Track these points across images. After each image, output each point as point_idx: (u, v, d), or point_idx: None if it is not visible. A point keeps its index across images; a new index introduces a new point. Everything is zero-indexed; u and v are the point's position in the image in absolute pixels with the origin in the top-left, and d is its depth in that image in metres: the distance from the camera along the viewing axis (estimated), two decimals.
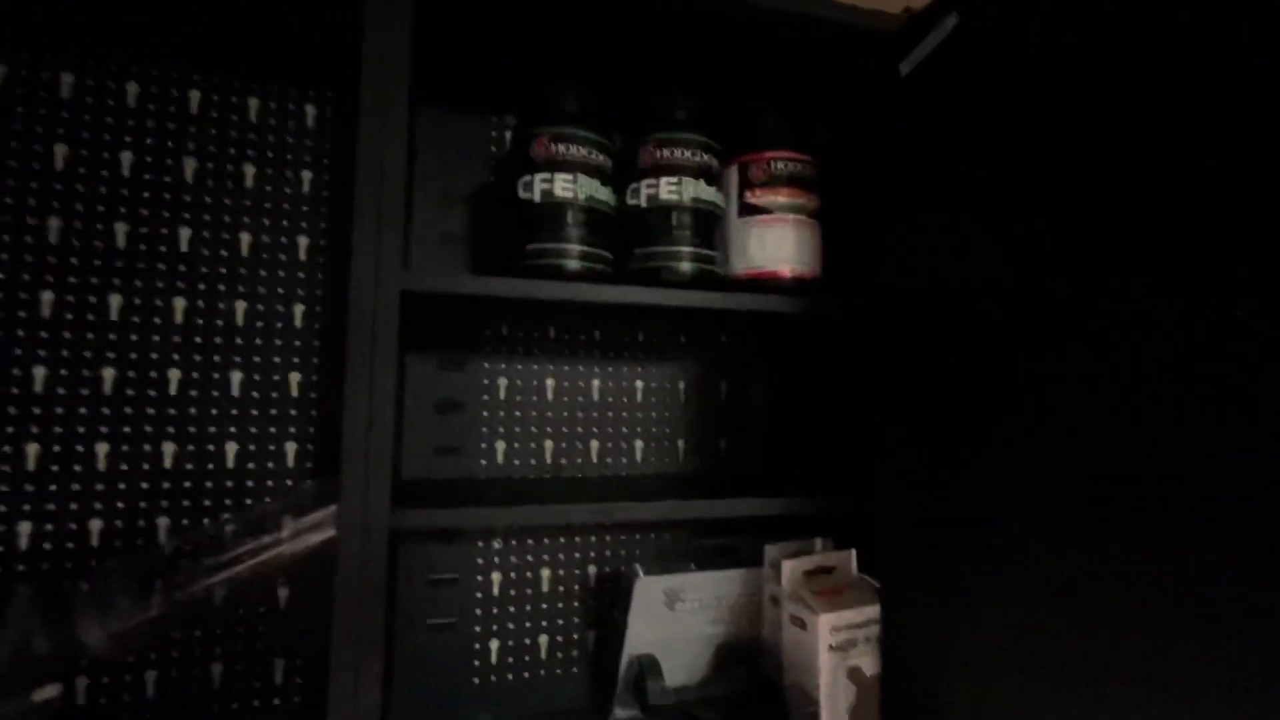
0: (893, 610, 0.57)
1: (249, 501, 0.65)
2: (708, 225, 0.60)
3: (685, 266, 0.58)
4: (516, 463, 0.73)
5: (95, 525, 0.61)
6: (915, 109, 0.58)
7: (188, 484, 0.63)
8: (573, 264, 0.56)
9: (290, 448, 0.66)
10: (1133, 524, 0.36)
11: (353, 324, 0.47)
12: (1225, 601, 0.31)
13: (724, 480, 0.75)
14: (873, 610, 0.58)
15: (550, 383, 0.75)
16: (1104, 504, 0.38)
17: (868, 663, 0.57)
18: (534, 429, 0.74)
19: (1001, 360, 0.46)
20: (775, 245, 0.61)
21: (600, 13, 0.57)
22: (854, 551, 0.64)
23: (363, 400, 0.46)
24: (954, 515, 0.50)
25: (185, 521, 0.63)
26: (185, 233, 0.65)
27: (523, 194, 0.57)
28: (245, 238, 0.66)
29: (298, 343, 0.67)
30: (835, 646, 0.56)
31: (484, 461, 0.72)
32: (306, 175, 0.68)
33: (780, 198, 0.62)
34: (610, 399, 0.77)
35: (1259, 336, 0.31)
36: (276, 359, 0.67)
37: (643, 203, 0.59)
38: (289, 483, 0.66)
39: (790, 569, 0.61)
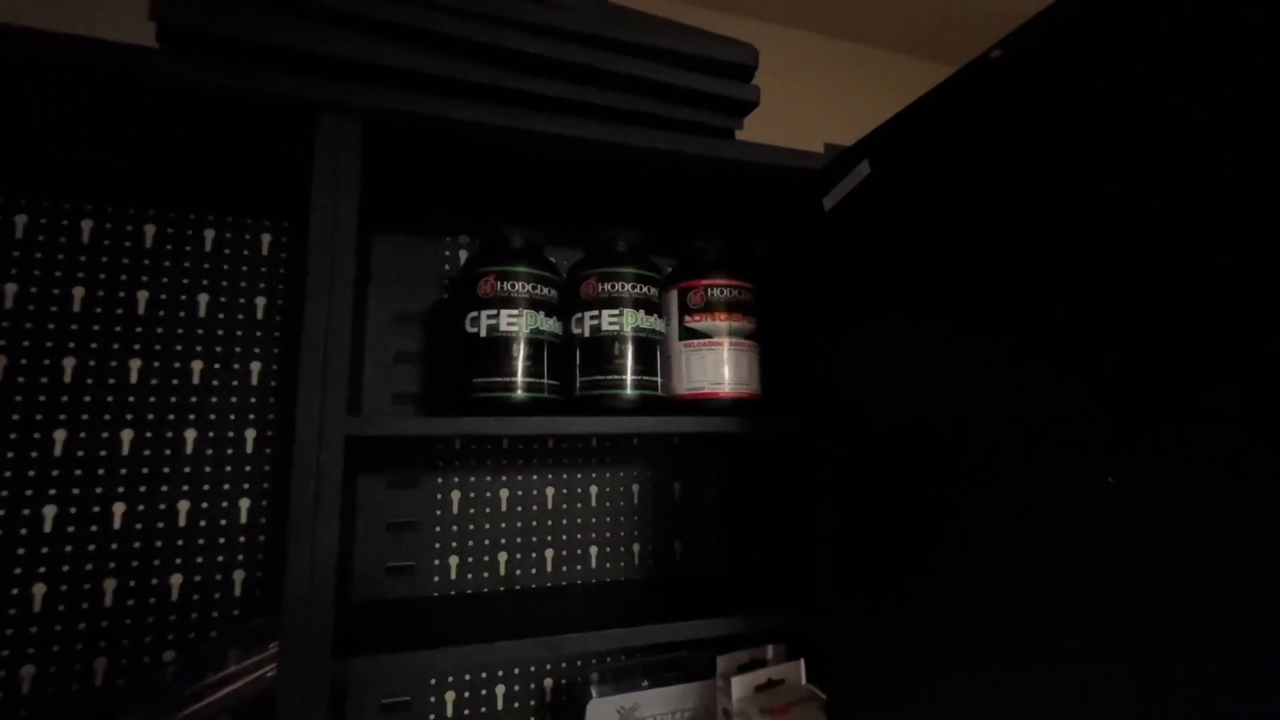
0: None
1: (194, 635, 0.64)
2: (649, 351, 0.63)
3: (627, 394, 0.61)
4: (470, 576, 0.73)
5: (27, 671, 0.59)
6: (839, 238, 0.63)
7: (129, 621, 0.62)
8: (517, 396, 0.59)
9: (238, 576, 0.66)
10: (1076, 633, 0.38)
11: (295, 479, 0.48)
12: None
13: (679, 587, 0.76)
14: None
15: (504, 493, 0.76)
16: (1050, 615, 0.40)
17: None
18: (487, 541, 0.74)
19: (938, 476, 0.49)
20: (714, 368, 0.64)
21: (540, 161, 0.61)
22: (802, 662, 0.65)
23: (304, 556, 0.47)
24: (897, 632, 0.52)
25: (125, 662, 0.61)
26: (135, 364, 0.65)
27: (469, 329, 0.60)
28: (197, 365, 0.67)
29: (248, 468, 0.67)
30: None
31: (436, 578, 0.72)
32: (260, 301, 0.70)
33: (718, 322, 0.65)
34: (564, 505, 0.78)
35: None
36: (226, 485, 0.67)
37: (585, 333, 0.62)
38: (236, 613, 0.65)
39: (739, 686, 0.62)
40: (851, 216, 0.61)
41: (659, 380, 0.63)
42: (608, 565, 0.79)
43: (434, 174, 0.64)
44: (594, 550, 0.79)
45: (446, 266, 0.77)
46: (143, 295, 0.67)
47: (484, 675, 0.72)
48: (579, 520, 0.78)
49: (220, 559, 0.65)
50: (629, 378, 0.61)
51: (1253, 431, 0.29)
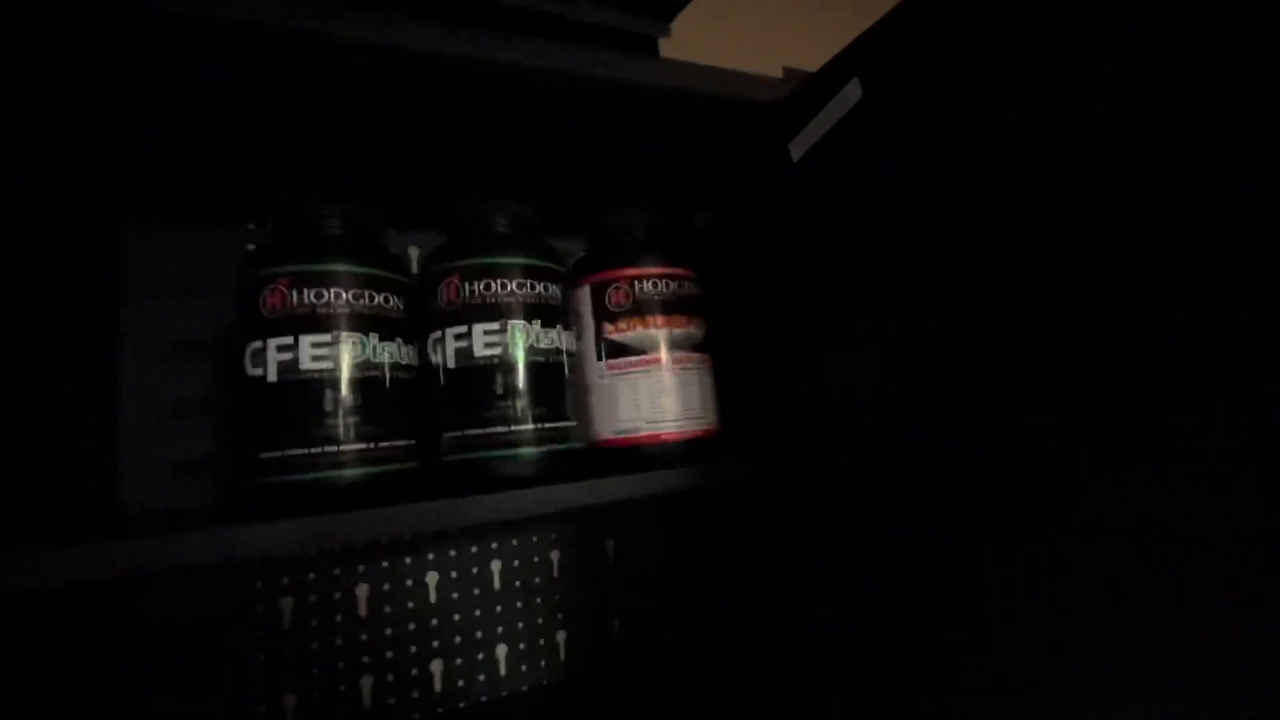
0: None
1: None
2: (552, 382, 0.41)
3: (524, 453, 0.39)
4: None
5: None
6: (815, 199, 0.43)
7: None
8: (342, 475, 0.36)
9: None
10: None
11: None
12: None
13: (624, 689, 0.56)
14: None
15: (362, 591, 0.53)
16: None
17: None
18: (341, 664, 0.51)
19: (982, 535, 0.31)
20: (651, 398, 0.44)
21: (371, 95, 0.38)
22: None
23: None
24: None
25: None
26: None
27: (251, 370, 0.36)
28: None
29: None
30: None
31: None
32: None
33: (654, 330, 0.45)
34: (454, 595, 0.56)
35: None
36: None
37: (450, 361, 0.40)
38: None
39: None
40: (833, 166, 0.42)
41: (572, 425, 0.42)
42: (523, 669, 0.57)
43: (211, 114, 0.40)
44: (503, 650, 0.57)
45: None
46: None
47: None
48: (478, 613, 0.56)
49: None
50: (526, 428, 0.40)
51: None
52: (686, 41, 0.53)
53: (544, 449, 0.40)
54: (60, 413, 0.40)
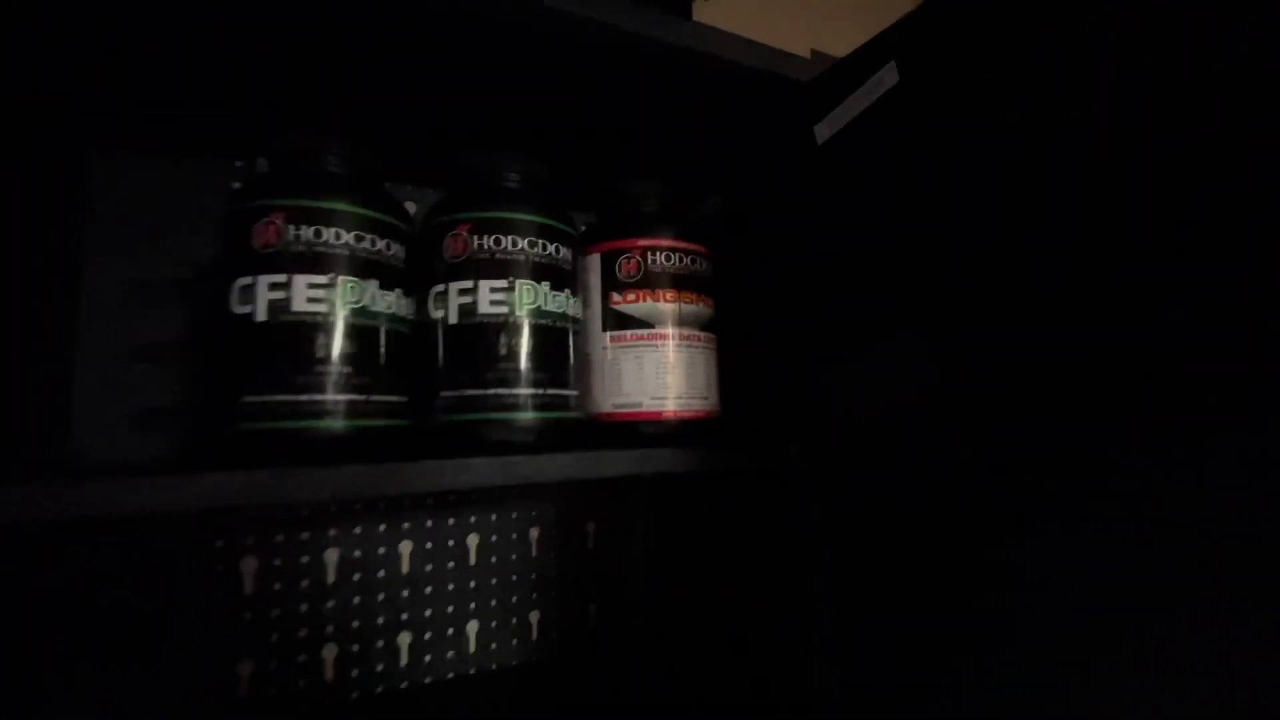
0: None
1: None
2: (555, 348, 0.40)
3: (523, 418, 0.38)
4: (274, 691, 0.47)
5: None
6: (840, 186, 0.43)
7: None
8: (327, 425, 0.34)
9: None
10: None
11: None
12: None
13: (597, 673, 0.54)
14: None
15: (331, 556, 0.50)
16: None
17: None
18: (305, 631, 0.49)
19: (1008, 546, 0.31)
20: (655, 374, 0.42)
21: (370, 12, 0.35)
22: None
23: None
24: None
25: None
26: None
27: (238, 307, 0.34)
28: None
29: None
30: None
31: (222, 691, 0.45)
32: None
33: (663, 304, 0.43)
34: (428, 567, 0.54)
35: None
36: None
37: (452, 317, 0.38)
38: None
39: None
40: (859, 152, 0.41)
41: (574, 394, 0.41)
42: (493, 646, 0.56)
43: (197, 39, 0.37)
44: (474, 626, 0.55)
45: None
46: None
47: None
48: (451, 586, 0.54)
49: None
50: (527, 392, 0.38)
51: None
52: (709, 16, 0.52)
53: (544, 416, 0.38)
54: (5, 352, 0.36)
